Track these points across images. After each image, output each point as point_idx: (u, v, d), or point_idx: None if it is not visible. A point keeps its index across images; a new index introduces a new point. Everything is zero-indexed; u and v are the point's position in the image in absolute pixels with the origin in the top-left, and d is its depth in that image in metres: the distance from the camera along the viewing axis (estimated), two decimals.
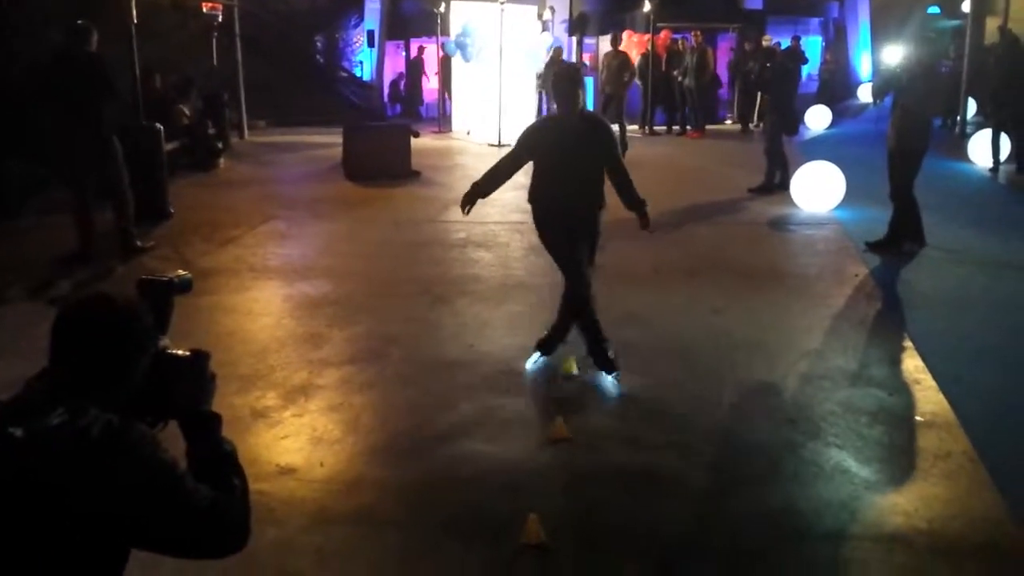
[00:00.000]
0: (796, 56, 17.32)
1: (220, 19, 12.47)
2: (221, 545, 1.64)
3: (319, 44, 19.69)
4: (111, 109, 7.01)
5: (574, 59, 15.39)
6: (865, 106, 18.77)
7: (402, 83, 21.06)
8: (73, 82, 6.67)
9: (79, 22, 6.84)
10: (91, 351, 1.60)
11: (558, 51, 14.81)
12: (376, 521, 3.38)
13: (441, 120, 16.64)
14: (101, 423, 1.51)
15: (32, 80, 7.52)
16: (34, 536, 1.48)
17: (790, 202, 9.00)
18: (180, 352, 1.75)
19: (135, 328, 1.64)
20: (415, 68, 20.54)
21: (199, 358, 1.75)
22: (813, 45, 20.27)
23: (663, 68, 16.29)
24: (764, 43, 13.00)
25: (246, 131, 14.70)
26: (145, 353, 1.67)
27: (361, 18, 20.34)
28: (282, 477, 3.69)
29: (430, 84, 19.91)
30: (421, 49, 20.39)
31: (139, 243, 7.26)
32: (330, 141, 12.61)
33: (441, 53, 17.06)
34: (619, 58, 13.81)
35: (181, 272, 1.87)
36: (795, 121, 10.47)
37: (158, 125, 8.63)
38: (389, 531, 3.31)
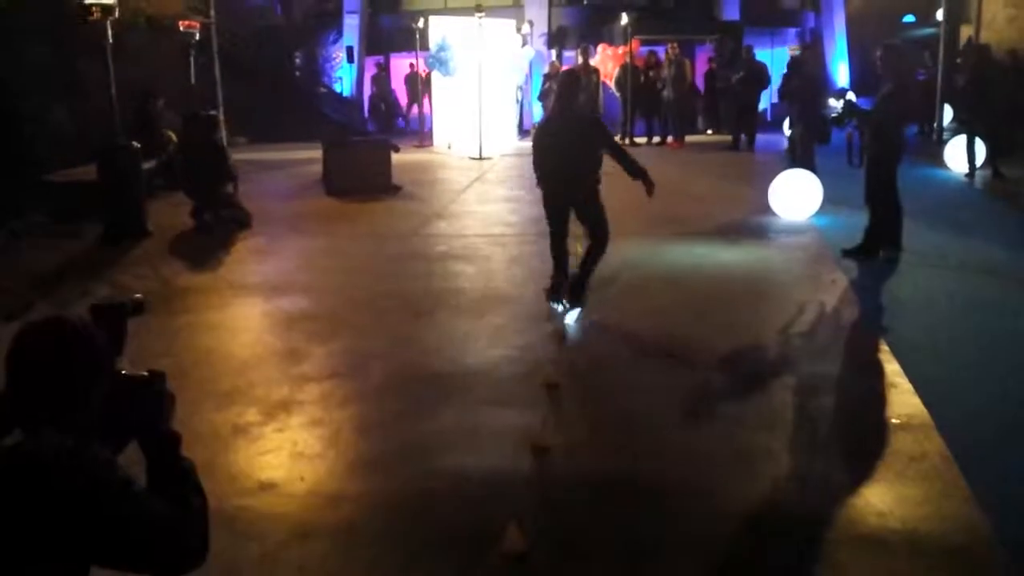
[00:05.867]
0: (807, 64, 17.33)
1: (197, 37, 12.39)
2: (178, 562, 1.64)
3: (298, 60, 19.70)
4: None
5: (554, 71, 15.43)
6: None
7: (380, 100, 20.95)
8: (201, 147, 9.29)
9: (210, 114, 10.28)
10: (44, 375, 1.61)
11: (553, 65, 14.93)
12: (357, 535, 3.39)
13: (420, 135, 16.66)
14: (53, 445, 1.52)
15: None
16: None
17: (769, 211, 9.08)
18: (136, 373, 1.75)
19: (87, 351, 1.64)
20: (382, 83, 20.27)
21: (155, 378, 1.75)
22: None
23: (642, 80, 16.38)
24: (791, 52, 12.69)
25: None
26: (100, 376, 1.67)
27: (340, 34, 20.34)
28: (263, 492, 3.69)
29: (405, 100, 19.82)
30: (382, 66, 20.11)
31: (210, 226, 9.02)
32: (310, 157, 12.61)
33: (409, 69, 17.04)
34: (594, 73, 13.77)
35: (136, 295, 1.89)
36: (827, 129, 10.20)
37: (136, 144, 8.61)
38: (370, 545, 3.32)
